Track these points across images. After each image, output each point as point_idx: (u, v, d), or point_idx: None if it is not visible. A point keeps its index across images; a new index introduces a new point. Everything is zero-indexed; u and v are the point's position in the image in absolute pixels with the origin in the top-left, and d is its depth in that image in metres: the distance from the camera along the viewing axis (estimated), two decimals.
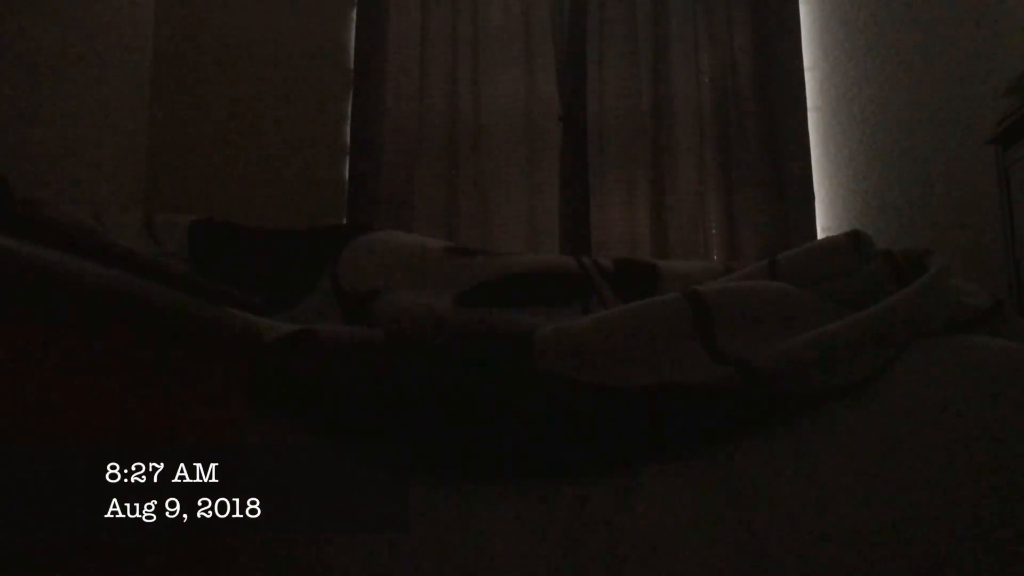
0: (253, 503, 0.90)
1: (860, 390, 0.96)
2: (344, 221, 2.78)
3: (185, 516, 0.74)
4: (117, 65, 2.60)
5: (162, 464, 0.82)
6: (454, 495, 0.92)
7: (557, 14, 2.86)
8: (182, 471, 0.82)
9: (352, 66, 2.86)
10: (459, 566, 0.90)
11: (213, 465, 0.71)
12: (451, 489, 0.92)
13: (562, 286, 1.24)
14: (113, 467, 0.80)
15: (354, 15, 2.89)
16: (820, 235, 2.66)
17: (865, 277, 1.10)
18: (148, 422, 0.60)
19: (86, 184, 2.39)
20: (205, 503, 0.70)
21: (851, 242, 1.18)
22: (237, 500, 0.74)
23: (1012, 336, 1.12)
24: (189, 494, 0.71)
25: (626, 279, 1.29)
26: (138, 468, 0.81)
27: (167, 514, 0.80)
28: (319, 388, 0.97)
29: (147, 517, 0.82)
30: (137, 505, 0.82)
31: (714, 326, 1.01)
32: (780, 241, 2.62)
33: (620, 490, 0.91)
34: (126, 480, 0.81)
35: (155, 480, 0.82)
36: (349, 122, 2.84)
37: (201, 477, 0.71)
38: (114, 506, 0.80)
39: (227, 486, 0.72)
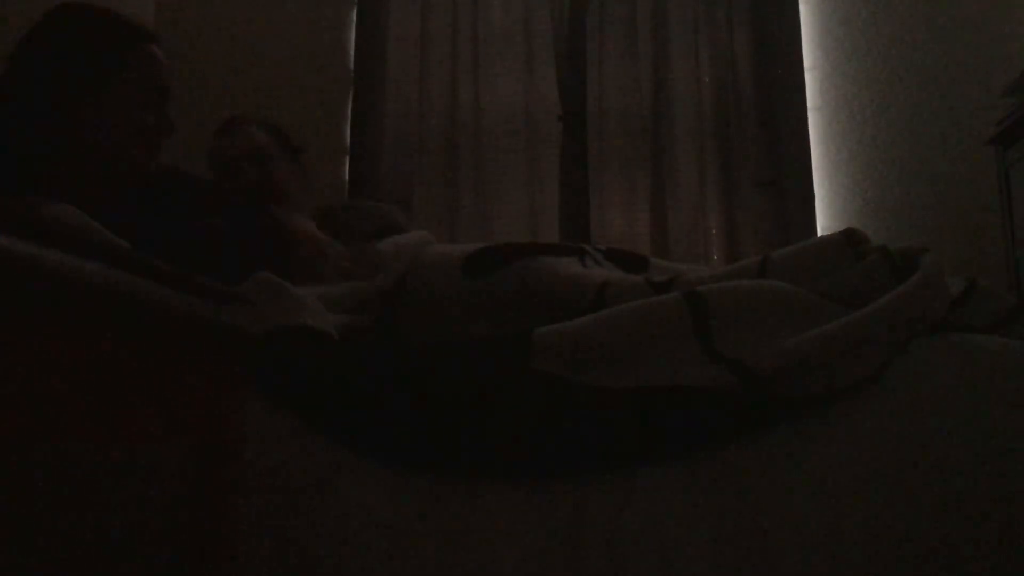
0: (254, 502, 0.90)
1: (860, 389, 0.96)
2: None
3: (185, 516, 0.74)
4: None
5: (161, 463, 0.82)
6: (454, 495, 0.92)
7: (557, 14, 2.86)
8: (181, 471, 0.82)
9: (352, 66, 2.86)
10: (459, 565, 0.90)
11: (212, 464, 0.71)
12: (451, 489, 0.92)
13: (562, 251, 1.36)
14: (113, 467, 0.81)
15: (354, 15, 2.88)
16: (820, 235, 2.66)
17: (861, 274, 1.10)
18: (146, 421, 0.60)
19: None
20: (205, 502, 0.70)
21: (845, 239, 1.18)
22: (237, 500, 0.74)
23: (989, 312, 1.12)
24: (189, 493, 0.71)
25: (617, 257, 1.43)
26: (138, 467, 0.81)
27: (167, 514, 0.80)
28: (307, 383, 0.97)
29: (147, 516, 0.82)
30: (137, 504, 0.82)
31: (712, 326, 1.00)
32: (780, 241, 2.61)
33: (620, 490, 0.91)
34: (126, 479, 0.81)
35: (154, 480, 0.82)
36: (349, 123, 2.84)
37: (200, 476, 0.71)
38: (114, 505, 0.80)
39: (226, 485, 0.72)
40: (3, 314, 0.45)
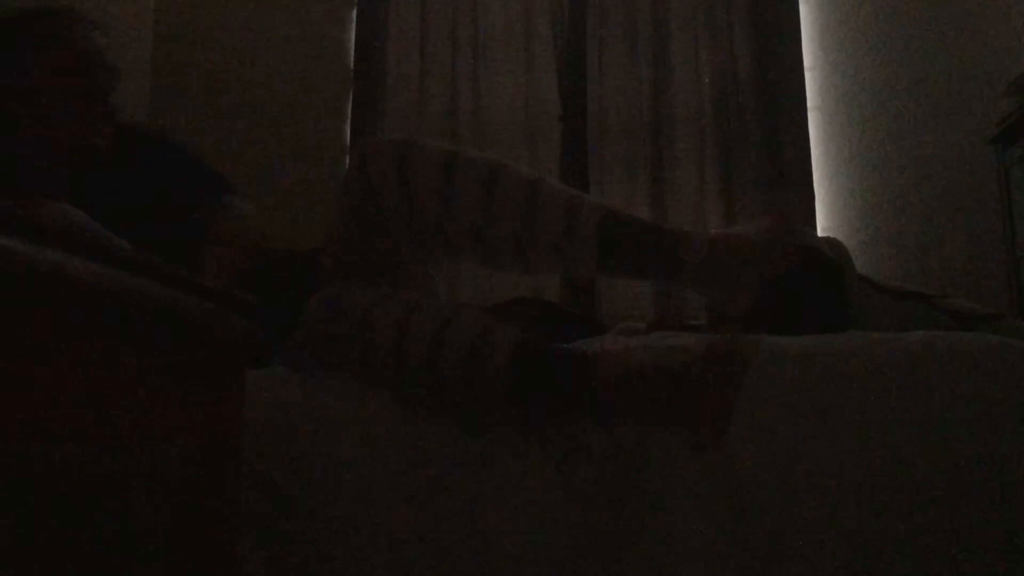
0: (254, 500, 0.90)
1: (845, 360, 0.98)
2: None
3: (185, 516, 0.74)
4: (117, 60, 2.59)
5: (161, 465, 0.82)
6: (458, 490, 0.93)
7: (557, 14, 2.86)
8: (181, 471, 0.82)
9: (352, 66, 2.86)
10: (460, 564, 0.90)
11: (212, 465, 0.71)
12: (454, 482, 0.93)
13: None
14: (112, 468, 0.80)
15: (354, 15, 2.89)
16: (820, 235, 2.66)
17: None
18: (147, 422, 0.60)
19: None
20: (205, 501, 0.70)
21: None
22: (237, 500, 0.74)
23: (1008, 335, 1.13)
24: (188, 494, 0.71)
25: None
26: (137, 468, 0.81)
27: (166, 515, 0.80)
28: None
29: (146, 517, 0.82)
30: (136, 505, 0.82)
31: None
32: None
33: (630, 482, 0.93)
34: (125, 480, 0.81)
35: (154, 481, 0.81)
36: (349, 122, 2.84)
37: (200, 477, 0.71)
38: (112, 506, 0.80)
39: (225, 485, 0.72)
40: (3, 314, 0.45)
